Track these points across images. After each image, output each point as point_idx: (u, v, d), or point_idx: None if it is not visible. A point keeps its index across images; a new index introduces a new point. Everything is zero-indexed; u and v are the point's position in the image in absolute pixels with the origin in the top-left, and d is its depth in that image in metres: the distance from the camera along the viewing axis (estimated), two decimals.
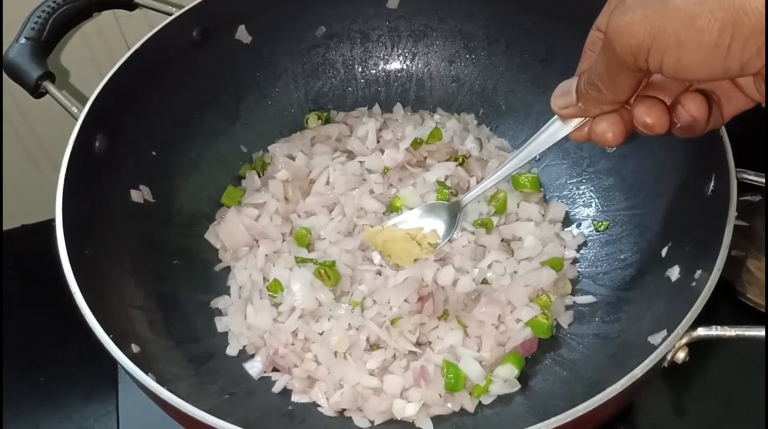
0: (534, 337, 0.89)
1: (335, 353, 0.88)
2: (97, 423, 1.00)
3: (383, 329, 0.88)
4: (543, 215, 1.02)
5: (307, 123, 1.13)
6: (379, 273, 0.94)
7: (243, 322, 0.92)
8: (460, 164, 1.05)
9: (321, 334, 0.90)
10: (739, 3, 0.47)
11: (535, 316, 0.90)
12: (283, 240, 1.00)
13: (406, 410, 0.83)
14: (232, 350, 0.91)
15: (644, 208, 0.96)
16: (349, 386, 0.85)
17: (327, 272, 0.92)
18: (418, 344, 0.89)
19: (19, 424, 1.01)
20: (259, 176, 1.06)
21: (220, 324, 0.93)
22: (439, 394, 0.84)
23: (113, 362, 0.72)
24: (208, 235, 1.01)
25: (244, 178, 1.08)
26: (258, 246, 0.99)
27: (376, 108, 1.16)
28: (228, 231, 1.00)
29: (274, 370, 0.90)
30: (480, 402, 0.86)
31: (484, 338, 0.88)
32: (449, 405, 0.85)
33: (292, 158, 1.06)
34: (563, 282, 0.95)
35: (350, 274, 0.94)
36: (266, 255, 0.98)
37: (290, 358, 0.88)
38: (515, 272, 0.95)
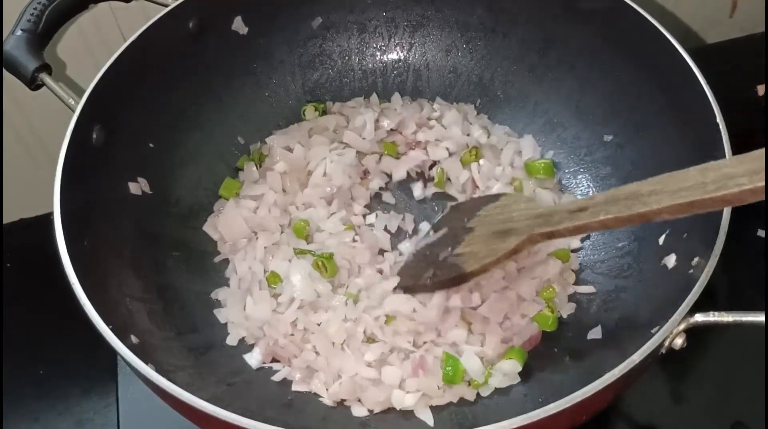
0: (539, 331, 0.89)
1: (333, 344, 0.88)
2: (97, 415, 1.00)
3: (377, 327, 0.87)
4: (555, 202, 1.01)
5: (304, 114, 1.13)
6: (380, 271, 0.94)
7: (242, 313, 0.92)
8: (474, 157, 1.05)
9: (319, 325, 0.90)
10: None
11: (541, 310, 0.89)
12: (282, 232, 1.00)
13: (405, 400, 0.83)
14: (231, 340, 0.91)
15: None
16: (348, 377, 0.85)
17: (324, 264, 0.92)
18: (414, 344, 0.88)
19: (19, 417, 1.01)
20: (257, 168, 1.06)
21: (220, 315, 0.93)
22: (438, 386, 0.84)
23: (113, 354, 0.72)
24: (207, 228, 1.01)
25: (242, 169, 1.08)
26: (257, 238, 0.99)
27: (374, 97, 1.15)
28: (226, 223, 1.00)
29: (274, 360, 0.90)
30: (479, 393, 0.86)
31: (488, 335, 0.87)
32: (447, 396, 0.85)
33: (290, 150, 1.06)
34: (567, 272, 0.95)
35: (347, 266, 0.94)
36: (265, 247, 0.98)
37: (289, 348, 0.88)
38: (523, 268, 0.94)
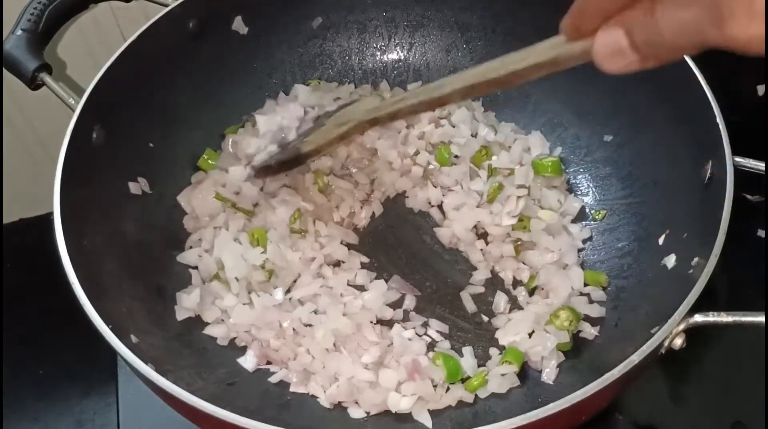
0: None
1: (327, 349, 0.88)
2: (97, 415, 1.00)
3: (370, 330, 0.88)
4: (560, 202, 1.01)
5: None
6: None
7: (220, 313, 0.92)
8: (486, 156, 1.05)
9: (308, 326, 0.90)
10: None
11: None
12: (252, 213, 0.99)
13: (401, 404, 0.83)
14: (222, 341, 0.90)
15: (641, 197, 0.96)
16: (345, 379, 0.84)
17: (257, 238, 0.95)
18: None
19: (18, 418, 1.01)
20: None
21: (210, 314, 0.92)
22: (435, 389, 0.84)
23: (113, 354, 0.72)
24: (181, 198, 1.00)
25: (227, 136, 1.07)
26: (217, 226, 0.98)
27: (384, 85, 1.15)
28: (201, 197, 0.99)
29: (270, 362, 0.89)
30: (477, 395, 0.85)
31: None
32: (446, 399, 0.84)
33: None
34: None
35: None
36: (215, 227, 0.97)
37: (283, 351, 0.88)
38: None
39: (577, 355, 0.87)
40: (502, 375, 0.85)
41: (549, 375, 0.85)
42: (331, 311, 0.89)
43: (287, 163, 0.94)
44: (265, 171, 0.97)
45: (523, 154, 1.05)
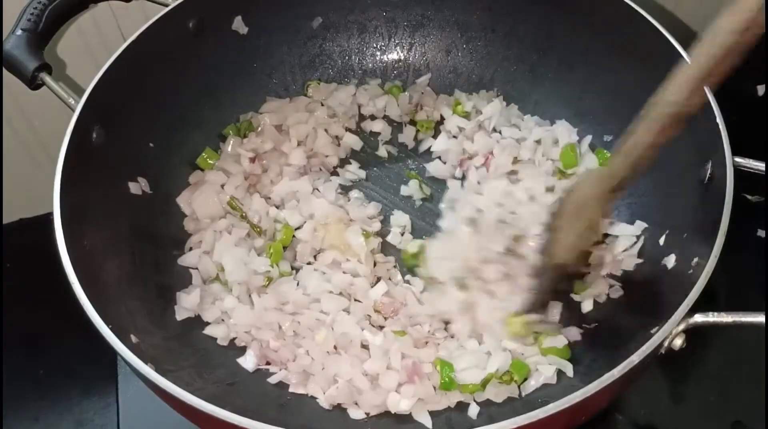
0: None
1: (328, 351, 0.88)
2: (97, 415, 1.00)
3: (375, 336, 0.87)
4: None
5: (307, 91, 1.13)
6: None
7: (220, 313, 0.92)
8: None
9: (310, 329, 0.90)
10: None
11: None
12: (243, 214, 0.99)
13: (401, 405, 0.83)
14: (222, 341, 0.90)
15: (642, 197, 0.96)
16: (344, 381, 0.84)
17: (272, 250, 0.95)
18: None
19: (19, 418, 1.01)
20: (241, 139, 1.06)
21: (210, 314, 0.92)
22: (434, 388, 0.84)
23: (113, 354, 0.72)
24: (180, 200, 1.00)
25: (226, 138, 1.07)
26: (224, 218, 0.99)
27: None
28: (202, 199, 0.99)
29: (269, 363, 0.89)
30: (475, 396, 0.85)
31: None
32: (444, 401, 0.84)
33: (279, 129, 1.07)
34: None
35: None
36: (218, 231, 0.97)
37: (282, 352, 0.88)
38: None
39: (578, 356, 0.87)
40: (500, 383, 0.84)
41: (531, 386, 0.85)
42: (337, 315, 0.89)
43: (564, 282, 0.83)
44: (536, 307, 0.84)
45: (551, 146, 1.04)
